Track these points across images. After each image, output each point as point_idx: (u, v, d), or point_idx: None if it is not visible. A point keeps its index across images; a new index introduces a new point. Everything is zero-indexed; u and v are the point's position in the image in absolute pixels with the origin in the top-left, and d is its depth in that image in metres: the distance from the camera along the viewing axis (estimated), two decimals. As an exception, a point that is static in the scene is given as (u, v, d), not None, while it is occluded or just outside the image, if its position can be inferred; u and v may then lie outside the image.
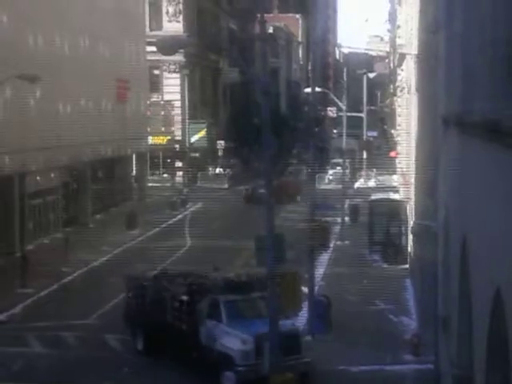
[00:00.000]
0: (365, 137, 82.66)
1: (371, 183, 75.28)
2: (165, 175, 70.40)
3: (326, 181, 75.27)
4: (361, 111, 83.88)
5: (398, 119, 62.84)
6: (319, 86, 65.03)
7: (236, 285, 24.18)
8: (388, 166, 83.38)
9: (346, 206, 51.45)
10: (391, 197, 46.70)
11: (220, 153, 77.29)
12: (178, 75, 71.66)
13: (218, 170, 72.94)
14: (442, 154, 20.15)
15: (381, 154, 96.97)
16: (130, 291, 27.02)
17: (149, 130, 66.64)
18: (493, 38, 10.91)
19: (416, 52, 35.83)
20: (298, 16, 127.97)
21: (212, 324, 23.53)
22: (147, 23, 68.69)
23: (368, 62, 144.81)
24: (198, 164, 70.94)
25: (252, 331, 22.53)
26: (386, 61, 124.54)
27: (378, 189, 60.83)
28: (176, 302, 24.63)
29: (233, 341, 22.69)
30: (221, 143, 78.03)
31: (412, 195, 38.25)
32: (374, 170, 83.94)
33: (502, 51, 10.21)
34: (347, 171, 63.60)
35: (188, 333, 23.90)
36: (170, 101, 71.97)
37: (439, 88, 20.92)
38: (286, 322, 22.94)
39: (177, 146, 69.92)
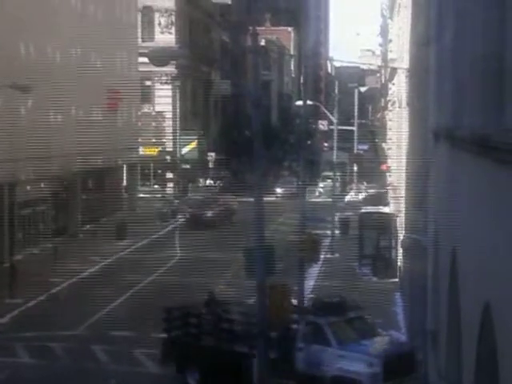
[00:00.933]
0: (355, 150, 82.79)
1: (361, 196, 75.38)
2: (155, 186, 70.33)
3: (317, 193, 75.36)
4: (352, 125, 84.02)
5: (389, 133, 62.98)
6: (310, 99, 65.19)
7: (333, 306, 23.36)
8: (378, 180, 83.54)
9: (336, 218, 51.46)
10: (381, 210, 46.74)
11: (211, 164, 77.26)
12: (169, 86, 71.66)
13: (208, 182, 72.91)
14: (433, 167, 20.20)
15: (371, 168, 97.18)
16: (174, 323, 25.32)
17: (140, 140, 66.59)
18: (483, 52, 10.96)
19: (407, 66, 35.93)
20: (290, 29, 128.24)
21: (315, 348, 22.38)
22: (139, 34, 68.74)
23: (359, 75, 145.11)
24: (189, 175, 70.89)
25: (373, 353, 21.66)
26: (378, 75, 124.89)
27: (368, 202, 60.87)
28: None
29: (355, 364, 21.52)
30: (211, 155, 77.99)
31: (402, 209, 38.28)
32: (365, 183, 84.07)
33: (492, 66, 10.25)
34: (338, 184, 63.63)
35: (277, 361, 22.25)
36: (162, 112, 71.95)
37: (430, 102, 20.98)
38: (398, 338, 22.25)
39: (168, 157, 69.84)
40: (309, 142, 74.38)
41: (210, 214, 51.16)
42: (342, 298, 23.98)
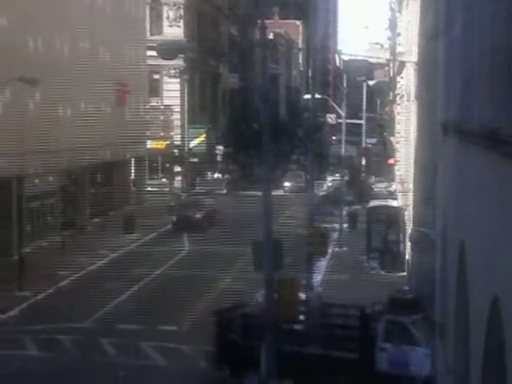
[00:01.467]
0: (364, 144, 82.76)
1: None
2: (163, 180, 70.37)
3: (325, 187, 75.36)
4: (360, 118, 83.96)
5: (397, 126, 62.88)
6: (319, 93, 65.15)
7: (411, 303, 22.75)
8: (387, 173, 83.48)
9: (344, 212, 51.47)
10: (389, 204, 46.70)
11: (219, 158, 77.29)
12: (177, 80, 71.67)
13: (216, 175, 72.94)
14: (441, 161, 20.16)
15: (380, 161, 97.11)
16: (230, 325, 24.33)
17: (148, 134, 66.63)
18: (492, 45, 10.92)
19: (416, 59, 35.86)
20: (298, 22, 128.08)
21: (403, 348, 21.73)
22: (148, 28, 68.75)
23: (368, 69, 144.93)
24: (197, 169, 70.91)
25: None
26: (386, 68, 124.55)
27: (376, 195, 60.84)
28: (333, 329, 22.47)
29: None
30: (220, 148, 78.01)
31: (410, 202, 38.25)
32: (373, 176, 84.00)
33: (501, 58, 10.22)
34: (346, 178, 63.61)
35: (356, 362, 21.53)
36: (170, 105, 71.97)
37: (438, 95, 20.93)
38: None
39: (176, 150, 69.87)
40: (317, 136, 74.31)
41: (198, 215, 50.49)
42: (414, 294, 23.27)
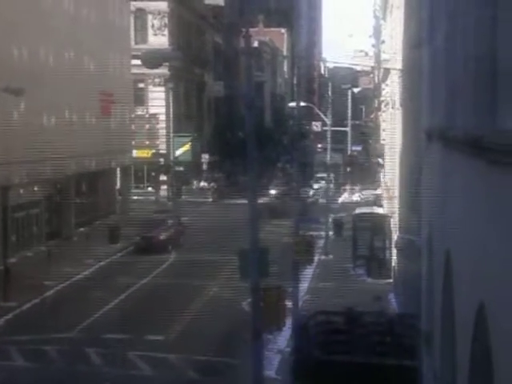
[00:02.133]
0: (349, 151, 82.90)
1: (355, 197, 75.46)
2: (149, 189, 70.31)
3: (311, 195, 75.42)
4: (345, 126, 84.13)
5: (383, 134, 63.04)
6: (304, 101, 65.27)
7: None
8: (372, 180, 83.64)
9: (330, 220, 51.51)
10: (375, 211, 46.77)
11: (204, 166, 77.28)
12: (162, 89, 71.69)
13: (202, 184, 72.91)
14: (425, 168, 20.21)
15: (365, 169, 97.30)
16: (311, 339, 21.75)
17: (133, 143, 66.56)
18: (476, 53, 10.97)
19: (400, 67, 35.98)
20: (283, 30, 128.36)
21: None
22: (132, 36, 68.73)
23: (353, 76, 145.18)
24: (183, 178, 70.89)
25: None
26: (371, 75, 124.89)
27: (361, 203, 60.96)
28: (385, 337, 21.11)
29: None
30: (205, 157, 78.01)
31: (396, 209, 38.31)
32: (358, 184, 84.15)
33: (485, 66, 10.26)
34: (331, 185, 63.70)
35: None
36: (155, 114, 71.97)
37: (423, 102, 21.00)
38: None
39: (161, 159, 69.86)
40: (302, 144, 74.40)
41: (162, 236, 46.93)
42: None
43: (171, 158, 70.37)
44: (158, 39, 70.29)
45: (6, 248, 41.96)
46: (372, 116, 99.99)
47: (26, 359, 26.58)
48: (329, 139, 64.70)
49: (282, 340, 28.33)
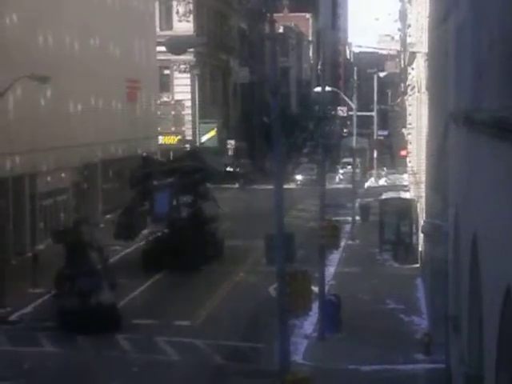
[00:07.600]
0: (375, 136, 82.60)
1: (382, 182, 75.24)
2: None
3: (337, 180, 75.26)
4: (371, 110, 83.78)
5: (409, 118, 62.71)
6: (329, 86, 64.95)
7: None
8: (398, 165, 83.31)
9: (356, 205, 51.41)
10: (402, 196, 46.59)
11: (230, 152, 77.31)
12: (188, 75, 71.68)
13: (227, 169, 72.95)
14: (452, 152, 20.09)
15: (391, 153, 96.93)
16: None
17: (159, 129, 66.72)
18: (502, 35, 10.87)
19: (426, 50, 35.73)
20: (308, 15, 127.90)
21: None
22: (157, 23, 68.75)
23: (378, 61, 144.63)
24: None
25: None
26: (397, 60, 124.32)
27: (388, 188, 60.74)
28: None
29: None
30: (231, 143, 78.03)
31: (422, 194, 38.15)
32: (385, 168, 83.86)
33: (511, 48, 10.17)
34: (358, 170, 63.49)
35: None
36: (181, 100, 72.01)
37: (449, 86, 20.86)
38: None
39: (187, 145, 69.94)
40: (328, 129, 74.20)
41: None
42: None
43: (197, 143, 70.45)
44: (183, 25, 70.23)
45: (34, 235, 42.26)
46: (398, 100, 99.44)
47: (55, 345, 26.76)
48: (354, 124, 64.47)
49: (308, 325, 28.35)
